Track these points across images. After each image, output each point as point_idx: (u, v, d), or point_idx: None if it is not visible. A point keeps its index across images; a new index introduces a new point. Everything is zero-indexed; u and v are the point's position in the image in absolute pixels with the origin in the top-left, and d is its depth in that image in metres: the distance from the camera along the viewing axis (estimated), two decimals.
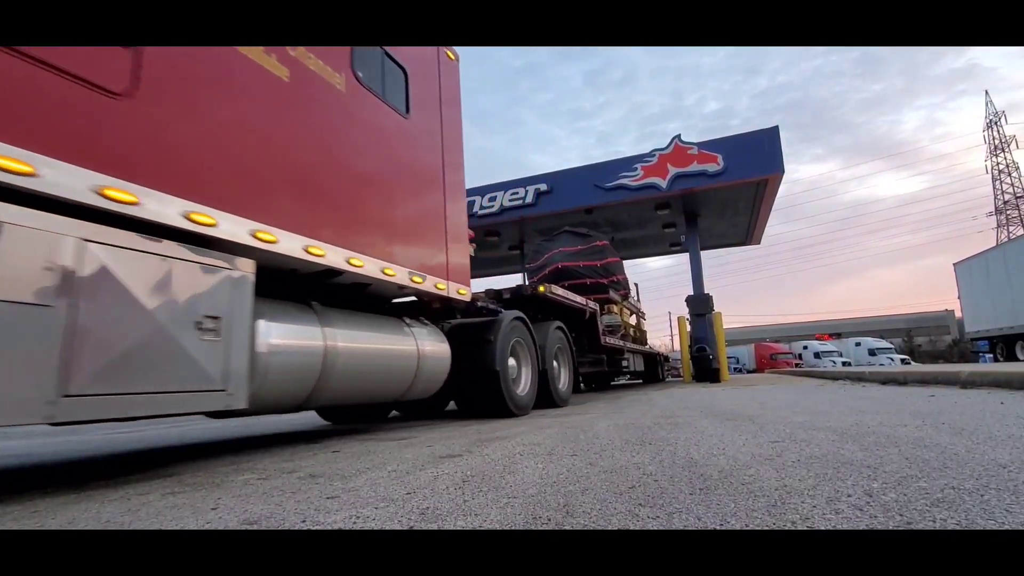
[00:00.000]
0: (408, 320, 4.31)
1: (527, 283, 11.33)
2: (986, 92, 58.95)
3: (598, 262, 11.02)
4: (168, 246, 2.30)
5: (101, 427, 7.19)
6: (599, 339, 8.25)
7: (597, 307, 8.36)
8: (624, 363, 10.22)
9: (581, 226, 15.66)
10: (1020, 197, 53.79)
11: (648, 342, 15.74)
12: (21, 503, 1.98)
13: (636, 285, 15.31)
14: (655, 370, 15.63)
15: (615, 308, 11.23)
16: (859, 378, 8.95)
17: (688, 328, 14.10)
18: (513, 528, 1.32)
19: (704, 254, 15.54)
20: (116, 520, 1.63)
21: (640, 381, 16.36)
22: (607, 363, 9.17)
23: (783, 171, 12.70)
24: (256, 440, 4.14)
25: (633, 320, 13.95)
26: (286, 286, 3.31)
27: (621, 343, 10.03)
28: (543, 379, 5.66)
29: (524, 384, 5.36)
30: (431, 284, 4.30)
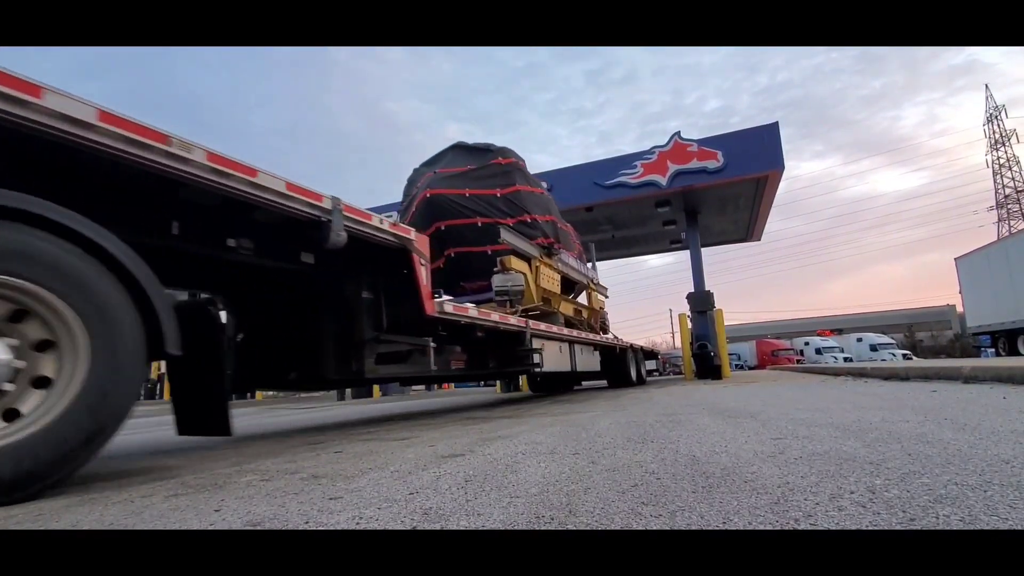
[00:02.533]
0: None
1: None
2: (986, 86, 59.00)
3: (497, 190, 7.38)
4: None
5: None
6: (421, 303, 4.26)
7: (411, 236, 4.18)
8: (535, 357, 6.32)
9: (581, 225, 15.67)
10: (1021, 191, 53.68)
11: (611, 332, 11.87)
12: (24, 506, 1.98)
13: (592, 246, 12.10)
14: (621, 369, 11.05)
15: (517, 264, 6.78)
16: (861, 374, 8.94)
17: (689, 325, 14.09)
18: (516, 528, 1.32)
19: (705, 251, 15.54)
20: (120, 523, 1.64)
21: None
22: (472, 355, 5.82)
23: (783, 167, 12.70)
24: (257, 440, 4.15)
25: (584, 299, 10.69)
26: None
27: (505, 322, 5.78)
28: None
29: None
30: None
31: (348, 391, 15.73)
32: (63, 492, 2.24)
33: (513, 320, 6.07)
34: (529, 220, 7.64)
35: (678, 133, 13.67)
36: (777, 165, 12.67)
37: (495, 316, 5.68)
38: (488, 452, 2.61)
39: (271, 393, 22.44)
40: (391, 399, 14.44)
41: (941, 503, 1.29)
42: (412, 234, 4.15)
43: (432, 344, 4.77)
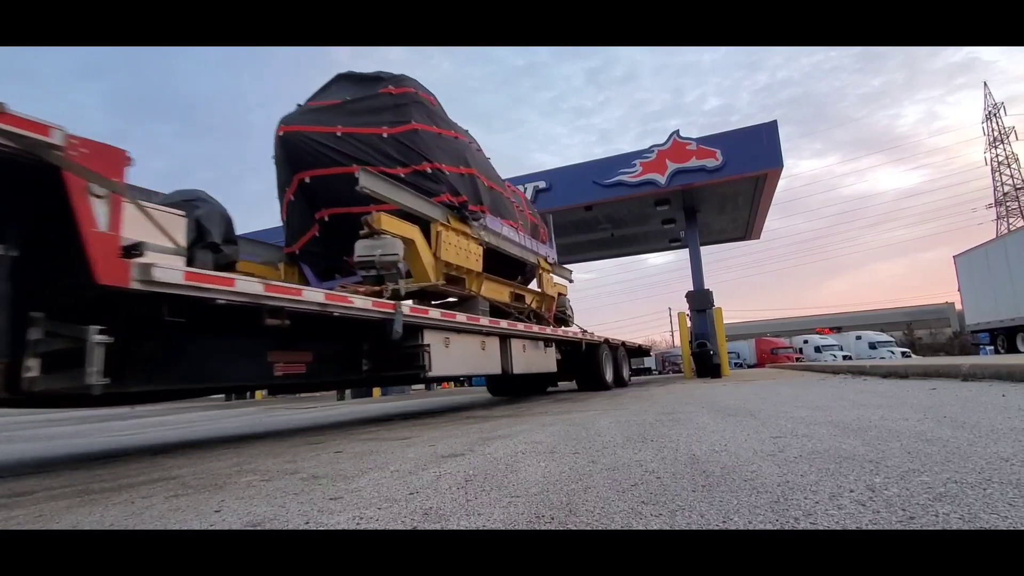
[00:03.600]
0: None
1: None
2: (984, 84, 59.08)
3: (384, 128, 5.48)
4: None
5: (101, 430, 7.20)
6: (89, 262, 2.44)
7: (51, 138, 2.40)
8: (424, 357, 4.69)
9: (581, 223, 15.68)
10: (1020, 188, 53.72)
11: (575, 324, 9.86)
12: (25, 507, 1.98)
13: (549, 218, 9.95)
14: (590, 369, 8.92)
15: (395, 226, 4.98)
16: (860, 372, 8.95)
17: (689, 324, 14.10)
18: (516, 528, 1.32)
19: (704, 250, 15.55)
20: (121, 524, 1.64)
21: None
22: (329, 354, 4.38)
23: (782, 166, 12.71)
24: (257, 440, 4.15)
25: (537, 285, 8.71)
26: None
27: (342, 305, 3.97)
28: None
29: None
30: None
31: (348, 391, 15.66)
32: (64, 494, 2.24)
33: (359, 303, 4.07)
34: (430, 170, 5.57)
35: (677, 132, 13.67)
36: (776, 163, 12.67)
37: (319, 296, 3.78)
38: (488, 451, 2.61)
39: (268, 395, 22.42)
40: (391, 399, 14.45)
41: (941, 501, 1.29)
42: (58, 137, 2.40)
43: (100, 338, 2.57)
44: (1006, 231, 42.75)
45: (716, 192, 13.92)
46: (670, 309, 54.92)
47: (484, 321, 5.78)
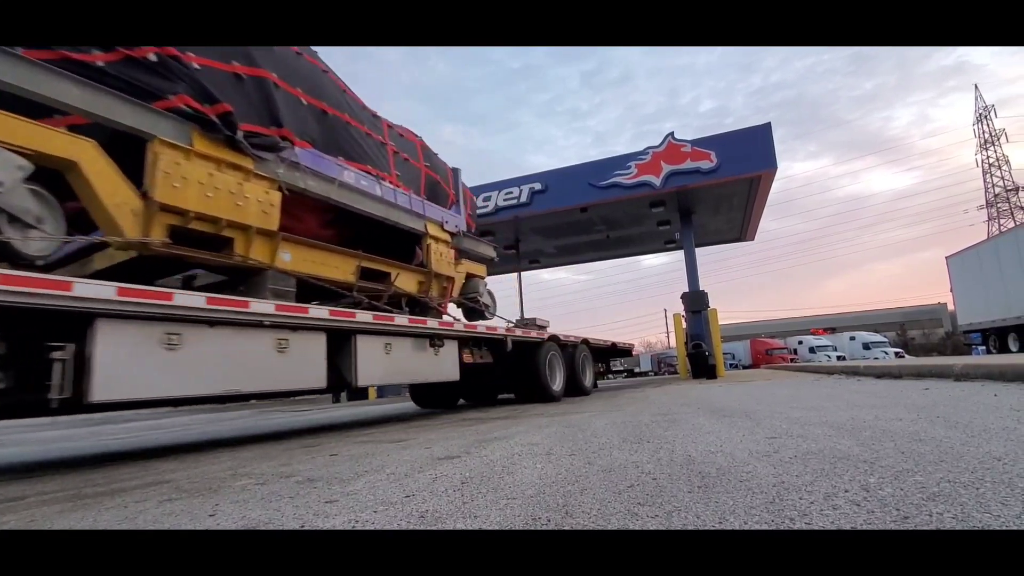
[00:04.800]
0: None
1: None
2: (975, 86, 59.55)
3: None
4: None
5: (94, 433, 7.14)
6: None
7: None
8: (55, 372, 2.63)
9: (576, 225, 15.70)
10: (1011, 190, 54.21)
11: (496, 316, 7.80)
12: (17, 512, 1.96)
13: (459, 172, 7.56)
14: (529, 375, 6.99)
15: (31, 138, 2.87)
16: (854, 372, 9.00)
17: (684, 325, 14.13)
18: (513, 528, 1.32)
19: (699, 251, 15.61)
20: (114, 528, 1.62)
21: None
22: None
23: (776, 167, 12.77)
24: (252, 443, 4.13)
25: (427, 262, 6.21)
26: None
27: None
28: None
29: None
30: None
31: (344, 393, 15.59)
32: (56, 498, 2.22)
33: None
34: (153, 57, 3.59)
35: (672, 134, 13.73)
36: (770, 165, 12.73)
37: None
38: (484, 454, 2.61)
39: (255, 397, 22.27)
40: (387, 400, 14.41)
41: (934, 501, 1.30)
42: None
43: None
44: (997, 232, 43.09)
45: (711, 193, 13.97)
46: (665, 310, 55.16)
47: (262, 307, 3.70)
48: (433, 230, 6.41)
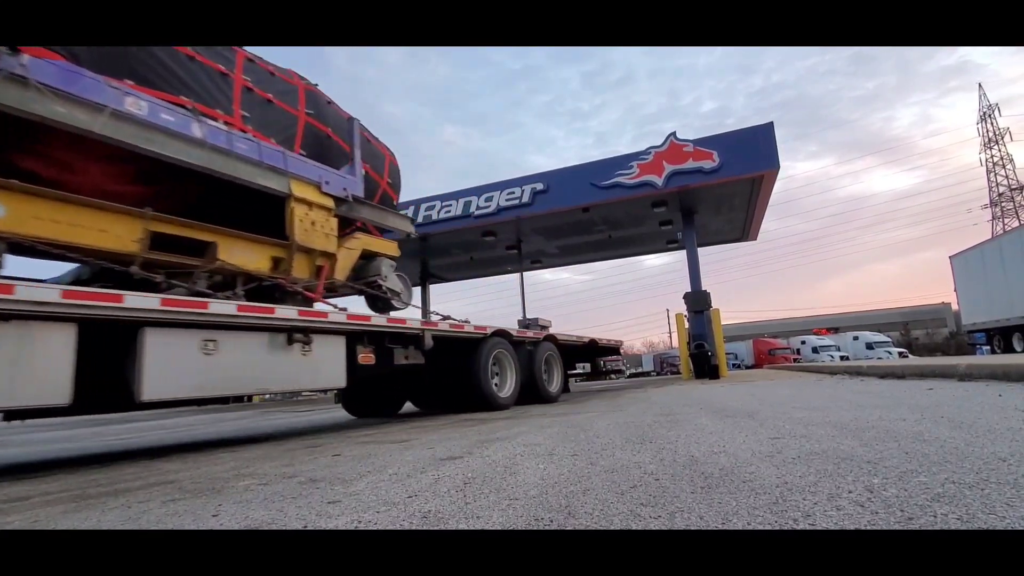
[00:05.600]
0: None
1: None
2: (979, 85, 59.33)
3: None
4: None
5: (97, 434, 7.16)
6: None
7: None
8: None
9: (578, 225, 15.70)
10: (1015, 189, 53.99)
11: (402, 305, 6.30)
12: (21, 512, 1.97)
13: (356, 122, 5.90)
14: (462, 376, 5.99)
15: None
16: (857, 372, 8.97)
17: (686, 325, 14.11)
18: (515, 529, 1.32)
19: (701, 251, 15.57)
20: (118, 528, 1.63)
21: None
22: None
23: (778, 167, 12.73)
24: (254, 444, 4.13)
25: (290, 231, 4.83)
26: None
27: None
28: None
29: None
30: None
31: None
32: (60, 498, 2.23)
33: None
34: None
35: (674, 133, 13.69)
36: (772, 165, 12.70)
37: None
38: (487, 454, 2.61)
39: (268, 396, 22.38)
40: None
41: (939, 502, 1.30)
42: None
43: None
44: (1001, 231, 42.94)
45: (713, 193, 13.93)
46: (668, 310, 55.02)
47: None
48: (301, 191, 4.93)
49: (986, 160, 56.54)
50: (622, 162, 13.99)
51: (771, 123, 12.85)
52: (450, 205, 15.25)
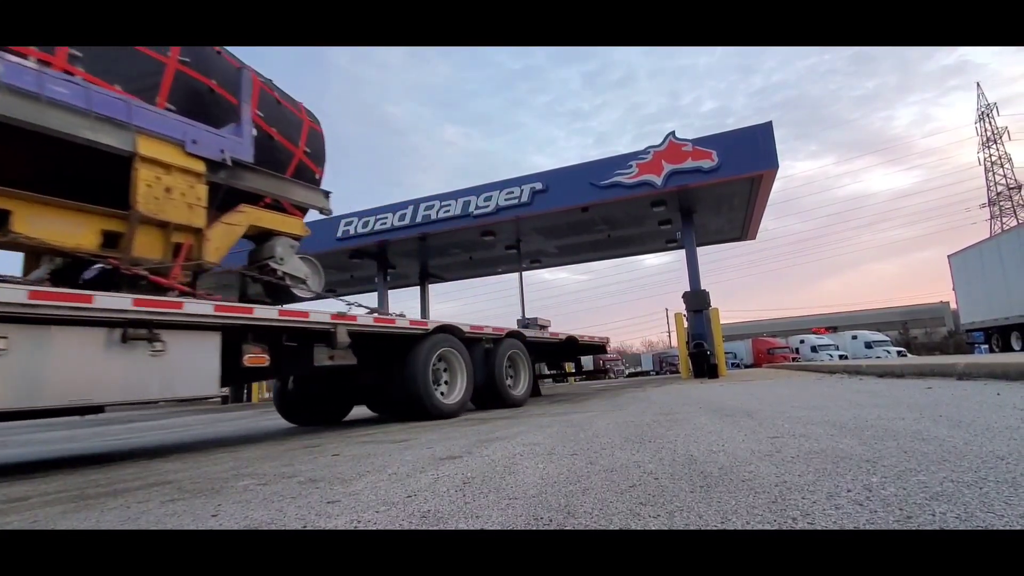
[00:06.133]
0: None
1: None
2: (978, 84, 59.51)
3: None
4: None
5: (97, 434, 7.16)
6: None
7: None
8: None
9: (577, 225, 15.69)
10: (1013, 188, 54.08)
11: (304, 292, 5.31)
12: (19, 512, 1.97)
13: (244, 73, 4.82)
14: (402, 381, 5.16)
15: None
16: (856, 371, 8.98)
17: (685, 324, 14.12)
18: (514, 529, 1.32)
19: (700, 250, 15.58)
20: (117, 528, 1.63)
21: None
22: None
23: (777, 166, 12.74)
24: (254, 444, 4.13)
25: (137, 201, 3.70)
26: None
27: None
28: None
29: None
30: None
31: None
32: (59, 499, 2.23)
33: None
34: None
35: (673, 133, 13.69)
36: (771, 164, 12.70)
37: None
38: (486, 454, 2.61)
39: (267, 396, 22.35)
40: None
41: (937, 500, 1.30)
42: None
43: None
44: (999, 230, 42.99)
45: (712, 193, 13.94)
46: (667, 310, 55.05)
47: None
48: (152, 150, 3.91)
49: (984, 159, 56.62)
50: (621, 162, 13.99)
51: (770, 123, 12.86)
52: (449, 205, 15.24)
